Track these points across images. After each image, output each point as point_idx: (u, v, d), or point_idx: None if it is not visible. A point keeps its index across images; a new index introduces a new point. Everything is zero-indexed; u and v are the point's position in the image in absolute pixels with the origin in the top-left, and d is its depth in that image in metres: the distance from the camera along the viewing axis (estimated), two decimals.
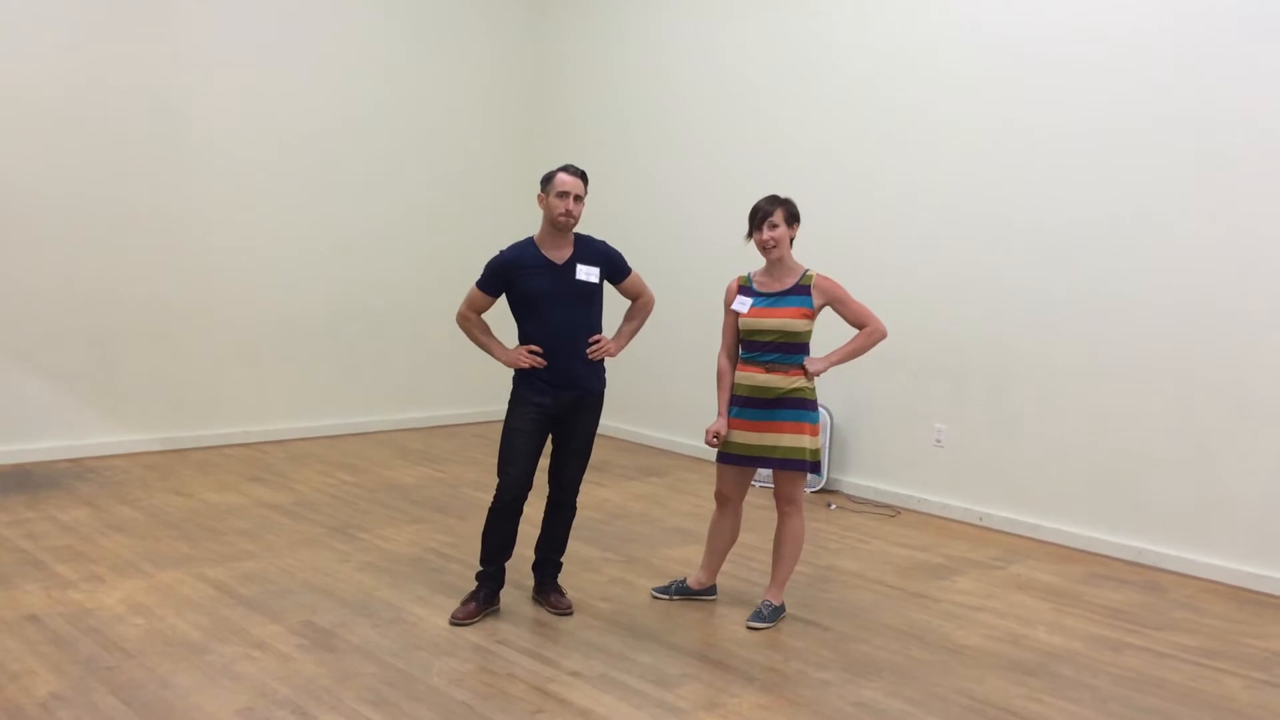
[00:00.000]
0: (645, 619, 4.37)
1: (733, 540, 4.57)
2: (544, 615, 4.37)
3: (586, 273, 4.25)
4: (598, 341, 4.30)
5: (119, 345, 6.90)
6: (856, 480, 6.64)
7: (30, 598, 4.31)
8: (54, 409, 6.68)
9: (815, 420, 4.32)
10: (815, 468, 4.34)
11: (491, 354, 4.39)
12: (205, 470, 6.60)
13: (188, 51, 7.00)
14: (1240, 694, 3.88)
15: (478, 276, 4.34)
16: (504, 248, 4.34)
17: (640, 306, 4.54)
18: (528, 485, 4.30)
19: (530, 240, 4.31)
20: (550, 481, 4.46)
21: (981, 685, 3.84)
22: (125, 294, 6.88)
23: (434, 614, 4.31)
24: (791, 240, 4.33)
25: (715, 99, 7.39)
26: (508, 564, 4.40)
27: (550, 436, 4.38)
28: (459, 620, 4.22)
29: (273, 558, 4.96)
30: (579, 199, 4.20)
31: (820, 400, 6.57)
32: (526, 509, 4.35)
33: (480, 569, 4.36)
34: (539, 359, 4.22)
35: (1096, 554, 5.54)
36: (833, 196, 6.60)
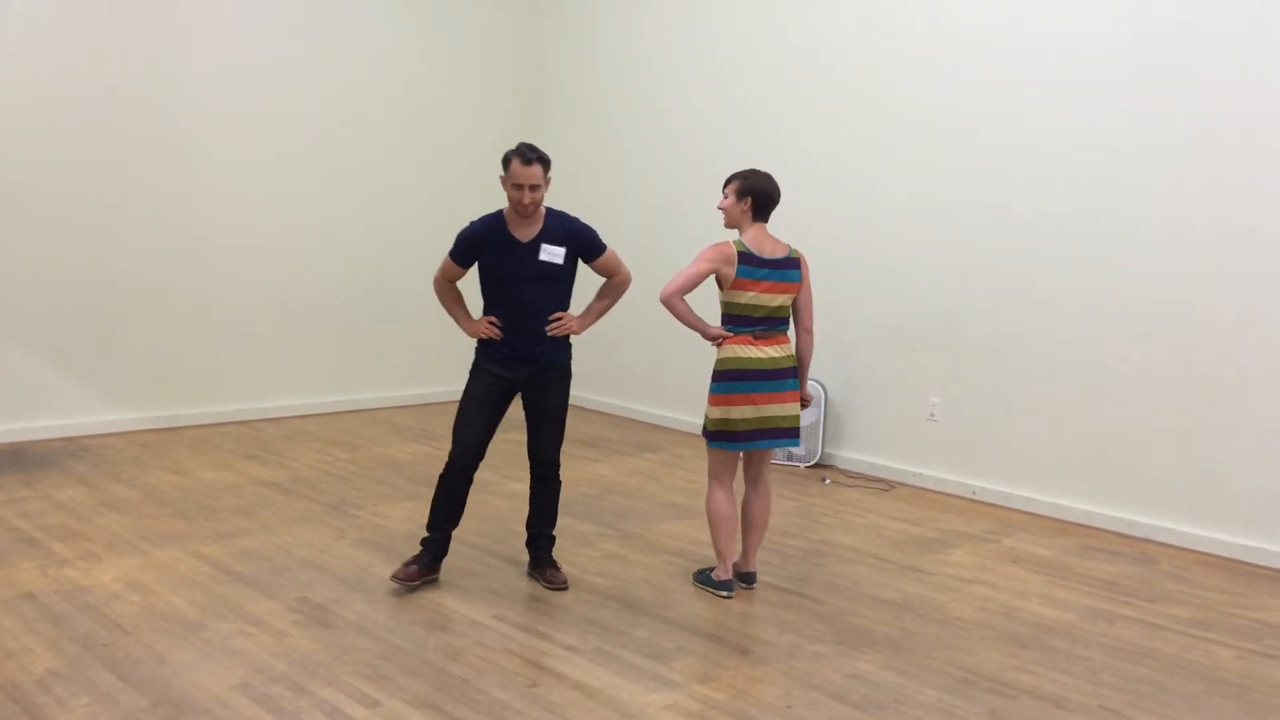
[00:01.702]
0: (640, 593, 4.39)
1: (733, 517, 4.50)
2: (539, 590, 4.39)
3: (550, 252, 4.21)
4: (559, 318, 4.29)
5: (114, 324, 6.88)
6: (851, 455, 6.66)
7: (26, 576, 4.32)
8: (49, 388, 6.67)
9: (713, 390, 4.30)
10: (710, 435, 4.33)
11: (458, 322, 4.43)
12: (200, 448, 6.60)
13: (185, 36, 6.95)
14: (1231, 664, 3.90)
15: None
16: (475, 219, 4.32)
17: (613, 285, 4.49)
18: (479, 454, 4.32)
19: (500, 214, 4.27)
20: (530, 459, 4.47)
21: (974, 657, 3.86)
22: (121, 273, 6.86)
23: (429, 590, 4.32)
24: (745, 214, 4.30)
25: (716, 83, 7.35)
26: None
27: (524, 416, 4.40)
28: (400, 579, 4.26)
29: (268, 535, 4.97)
30: (536, 187, 4.13)
31: (814, 374, 6.66)
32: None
33: (425, 534, 4.40)
34: (497, 331, 4.24)
35: (1089, 527, 5.56)
36: (834, 175, 6.60)
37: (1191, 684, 3.72)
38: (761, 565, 4.70)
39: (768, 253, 4.25)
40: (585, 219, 4.41)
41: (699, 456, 6.74)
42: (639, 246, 7.83)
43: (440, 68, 8.16)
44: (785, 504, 5.82)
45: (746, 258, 4.21)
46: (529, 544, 4.57)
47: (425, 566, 4.36)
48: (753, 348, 4.25)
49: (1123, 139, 5.39)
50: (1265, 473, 5.03)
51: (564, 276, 4.30)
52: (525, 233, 4.21)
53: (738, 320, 4.28)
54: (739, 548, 4.50)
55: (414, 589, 4.30)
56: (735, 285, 4.23)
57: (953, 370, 6.16)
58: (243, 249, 7.34)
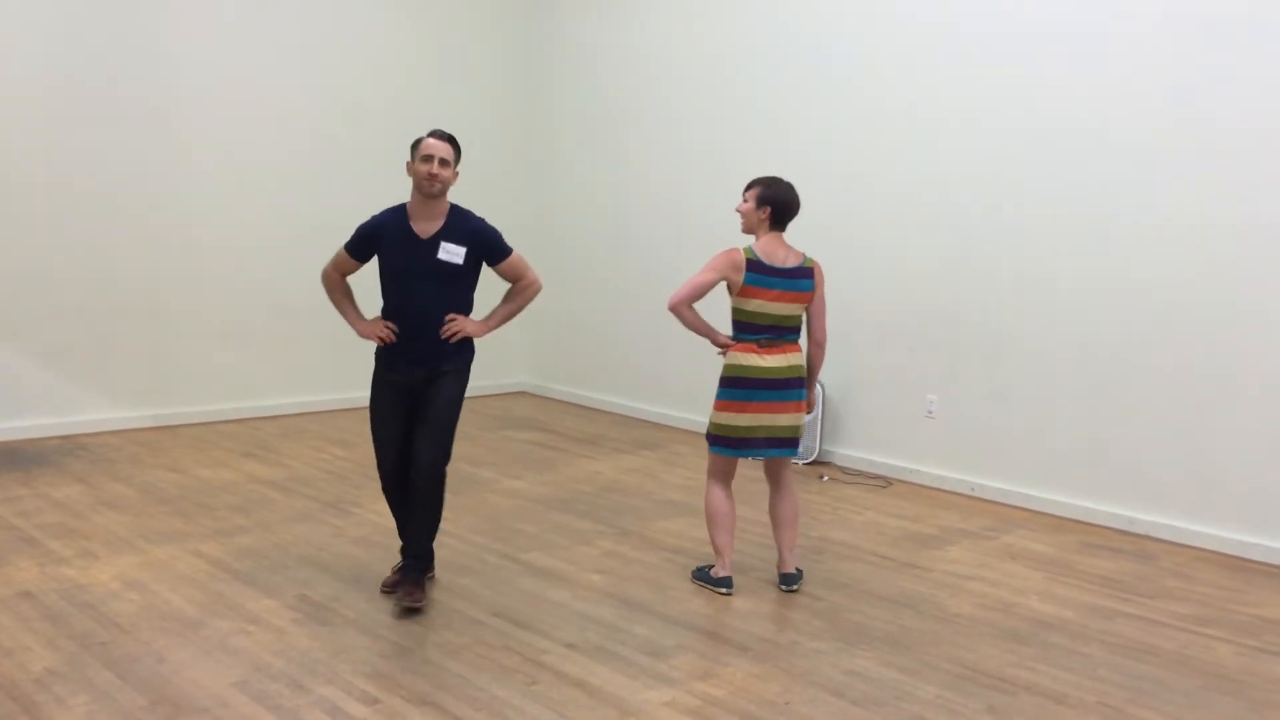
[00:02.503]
0: (639, 591, 4.39)
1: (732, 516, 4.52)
2: (539, 588, 4.38)
3: (449, 251, 4.02)
4: (454, 320, 4.07)
5: (111, 322, 6.87)
6: (849, 452, 6.66)
7: (24, 574, 4.31)
8: (45, 386, 6.66)
9: (717, 395, 4.35)
10: (710, 438, 4.39)
11: (347, 320, 4.24)
12: (198, 446, 6.59)
13: (177, 35, 6.96)
14: (1231, 660, 3.91)
15: None
16: (377, 212, 4.18)
17: (519, 290, 4.26)
18: (405, 465, 4.15)
19: (403, 208, 4.12)
20: (410, 465, 4.09)
21: (974, 654, 3.86)
22: (116, 271, 6.86)
23: (428, 587, 4.31)
24: (763, 222, 4.30)
25: (714, 82, 7.34)
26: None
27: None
28: (389, 589, 4.23)
29: (266, 533, 4.96)
30: (445, 163, 3.98)
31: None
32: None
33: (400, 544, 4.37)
34: (392, 334, 4.08)
35: (1088, 523, 5.56)
36: (832, 178, 6.59)
37: (1191, 680, 3.72)
38: (759, 563, 4.70)
39: (779, 261, 4.26)
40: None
41: (696, 454, 6.74)
42: (640, 246, 7.83)
43: (437, 67, 8.15)
44: None
45: (755, 265, 4.23)
46: (401, 551, 4.28)
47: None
48: (755, 356, 4.26)
49: (1121, 138, 5.38)
50: (1264, 469, 5.03)
51: (463, 276, 4.10)
52: (426, 228, 4.06)
53: (744, 327, 4.30)
54: (736, 544, 4.50)
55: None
56: (743, 292, 4.24)
57: (950, 368, 6.16)
58: (239, 247, 7.34)
